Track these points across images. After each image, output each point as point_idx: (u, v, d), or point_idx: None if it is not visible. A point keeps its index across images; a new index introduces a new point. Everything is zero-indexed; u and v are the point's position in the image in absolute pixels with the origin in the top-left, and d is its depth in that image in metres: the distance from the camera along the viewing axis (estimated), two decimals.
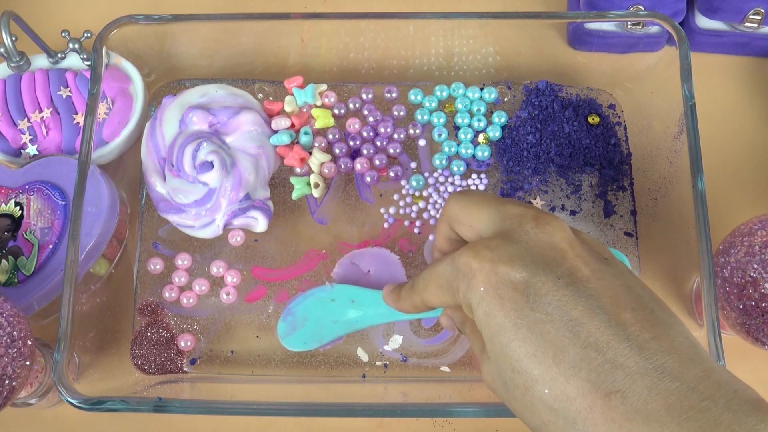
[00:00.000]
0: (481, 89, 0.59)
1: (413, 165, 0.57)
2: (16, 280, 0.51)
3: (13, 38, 0.54)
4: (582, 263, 0.30)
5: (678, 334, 0.28)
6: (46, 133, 0.56)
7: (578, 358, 0.27)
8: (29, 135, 0.56)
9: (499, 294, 0.29)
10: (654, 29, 0.55)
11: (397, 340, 0.52)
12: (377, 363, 0.52)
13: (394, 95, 0.58)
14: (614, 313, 0.28)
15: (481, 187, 0.56)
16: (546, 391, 0.28)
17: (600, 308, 0.28)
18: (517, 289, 0.29)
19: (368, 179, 0.56)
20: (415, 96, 0.58)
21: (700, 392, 0.25)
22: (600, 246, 0.33)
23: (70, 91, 0.57)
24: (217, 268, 0.54)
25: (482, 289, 0.30)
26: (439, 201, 0.56)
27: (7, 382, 0.41)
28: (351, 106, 0.58)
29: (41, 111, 0.56)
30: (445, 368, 0.52)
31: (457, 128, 0.58)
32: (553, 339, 0.28)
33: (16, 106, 0.56)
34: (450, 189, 0.56)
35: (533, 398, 0.28)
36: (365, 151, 0.56)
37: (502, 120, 0.58)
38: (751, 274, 0.45)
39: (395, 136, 0.57)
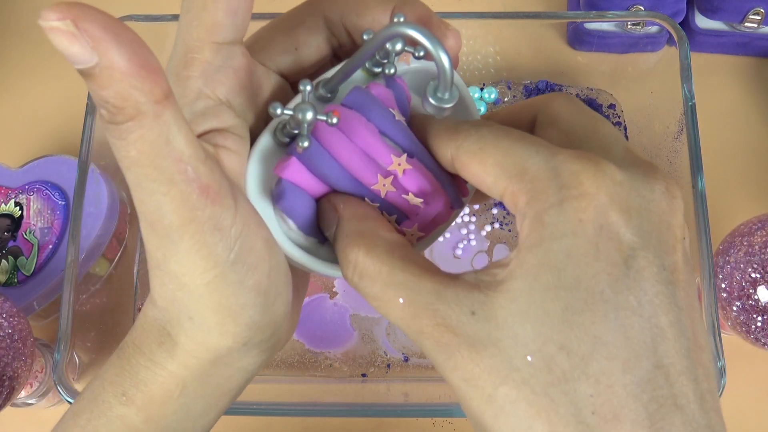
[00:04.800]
0: (481, 89, 0.59)
1: None
2: (16, 280, 0.51)
3: None
4: (683, 263, 0.23)
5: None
6: None
7: (647, 377, 0.21)
8: None
9: (598, 244, 0.22)
10: (654, 29, 0.55)
11: None
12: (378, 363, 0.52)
13: None
14: (692, 342, 0.23)
15: None
16: (590, 395, 0.21)
17: (683, 329, 0.22)
18: (621, 251, 0.22)
19: None
20: None
21: None
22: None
23: None
24: None
25: (581, 219, 0.22)
26: None
27: (7, 382, 0.41)
28: None
29: None
30: None
31: None
32: (633, 337, 0.22)
33: None
34: None
35: (561, 394, 0.21)
36: None
37: None
38: (751, 274, 0.45)
39: None
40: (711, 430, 0.21)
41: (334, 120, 0.25)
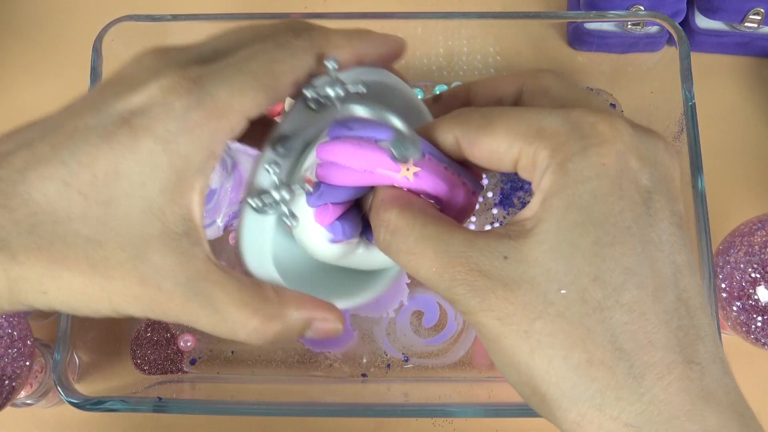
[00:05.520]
0: None
1: None
2: None
3: None
4: (681, 211, 0.25)
5: None
6: None
7: (672, 307, 0.23)
8: None
9: (621, 184, 0.23)
10: (654, 29, 0.55)
11: None
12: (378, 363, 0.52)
13: None
14: (698, 282, 0.24)
15: None
16: (625, 323, 0.22)
17: (693, 270, 0.24)
18: (640, 193, 0.24)
19: None
20: None
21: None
22: None
23: None
24: None
25: (604, 164, 0.23)
26: None
27: (7, 382, 0.41)
28: None
29: None
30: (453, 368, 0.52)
31: None
32: (658, 270, 0.23)
33: None
34: None
35: (597, 323, 0.22)
36: None
37: None
38: (751, 274, 0.45)
39: None
40: (724, 363, 0.23)
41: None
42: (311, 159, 0.27)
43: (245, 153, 0.54)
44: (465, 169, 0.28)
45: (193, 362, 0.52)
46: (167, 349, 0.52)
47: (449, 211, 0.27)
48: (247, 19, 0.55)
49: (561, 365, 0.22)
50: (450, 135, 0.27)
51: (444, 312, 0.53)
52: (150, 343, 0.52)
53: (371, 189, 0.28)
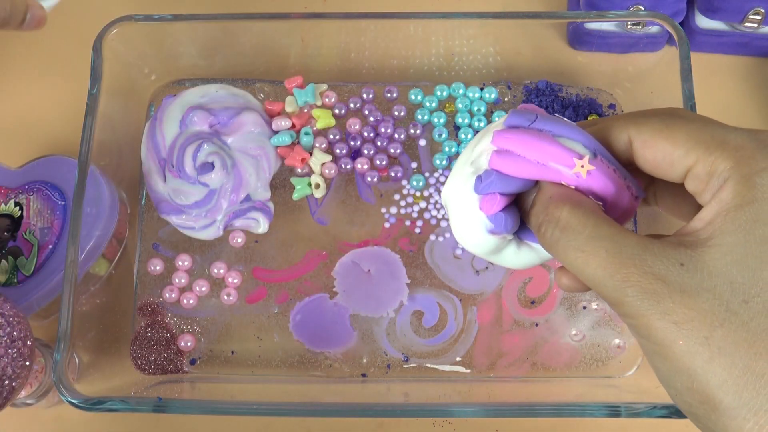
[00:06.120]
0: (482, 89, 0.59)
1: (414, 165, 0.57)
2: (15, 280, 0.51)
3: None
4: None
5: None
6: None
7: None
8: None
9: None
10: (654, 29, 0.55)
11: None
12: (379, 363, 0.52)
13: (394, 95, 0.58)
14: None
15: None
16: None
17: None
18: None
19: (369, 179, 0.56)
20: (415, 96, 0.58)
21: None
22: None
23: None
24: (217, 270, 0.54)
25: None
26: (440, 201, 0.56)
27: (7, 382, 0.41)
28: (351, 105, 0.58)
29: None
30: (453, 367, 0.52)
31: (457, 128, 0.58)
32: None
33: None
34: None
35: None
36: (366, 151, 0.56)
37: None
38: None
39: (396, 136, 0.57)
40: None
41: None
42: (483, 144, 0.27)
43: (245, 153, 0.54)
44: (630, 172, 0.28)
45: (193, 362, 0.52)
46: (167, 349, 0.52)
47: (612, 213, 0.28)
48: (247, 19, 0.55)
49: (743, 374, 0.23)
50: (624, 134, 0.27)
51: (444, 312, 0.53)
52: (150, 343, 0.52)
53: (534, 187, 0.28)
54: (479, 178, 0.27)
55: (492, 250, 0.29)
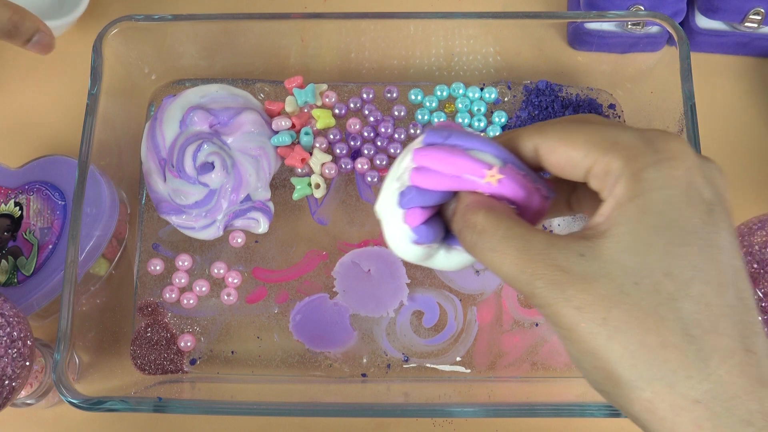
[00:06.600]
0: (482, 89, 0.59)
1: None
2: (15, 280, 0.51)
3: None
4: (734, 224, 0.28)
5: None
6: None
7: (733, 303, 0.26)
8: None
9: (689, 194, 0.27)
10: (654, 29, 0.55)
11: None
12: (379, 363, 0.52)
13: (394, 95, 0.58)
14: (751, 286, 0.28)
15: None
16: (693, 312, 0.25)
17: (747, 274, 0.27)
18: (704, 203, 0.27)
19: (369, 179, 0.56)
20: (415, 96, 0.58)
21: None
22: None
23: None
24: (217, 270, 0.54)
25: (675, 176, 0.27)
26: None
27: (7, 382, 0.41)
28: (351, 105, 0.58)
29: None
30: (453, 367, 0.52)
31: None
32: (721, 269, 0.26)
33: None
34: None
35: (669, 311, 0.25)
36: (366, 151, 0.56)
37: (502, 120, 0.58)
38: (751, 274, 0.45)
39: (396, 136, 0.57)
40: None
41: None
42: (406, 161, 0.30)
43: (245, 153, 0.54)
44: (539, 175, 0.31)
45: (193, 362, 0.52)
46: (167, 349, 0.52)
47: (525, 215, 0.30)
48: (247, 19, 0.55)
49: (637, 349, 0.25)
50: (530, 143, 0.30)
51: (444, 312, 0.53)
52: (150, 343, 0.52)
53: (454, 197, 0.31)
54: (402, 194, 0.30)
55: (422, 257, 0.32)
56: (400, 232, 0.31)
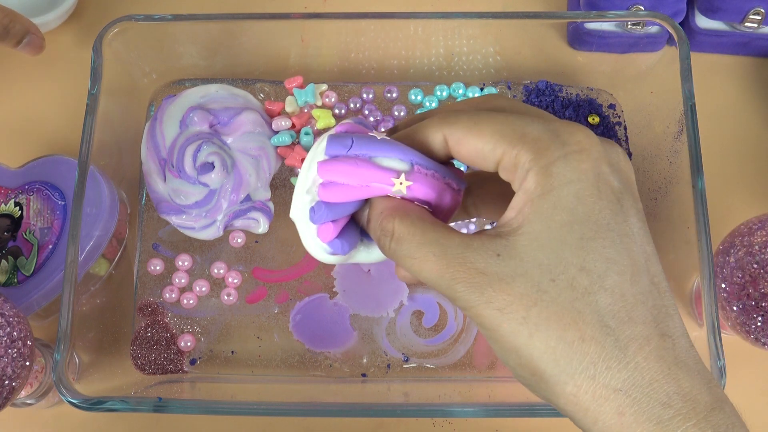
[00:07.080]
0: (482, 89, 0.59)
1: None
2: (15, 280, 0.51)
3: None
4: (642, 208, 0.29)
5: None
6: None
7: (647, 289, 0.27)
8: None
9: (599, 186, 0.27)
10: (654, 29, 0.55)
11: None
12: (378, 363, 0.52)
13: (394, 95, 0.58)
14: (662, 268, 0.28)
15: None
16: (609, 304, 0.26)
17: (658, 257, 0.28)
18: (613, 193, 0.27)
19: None
20: (415, 96, 0.58)
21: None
22: None
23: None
24: (217, 270, 0.54)
25: (584, 169, 0.27)
26: None
27: (6, 382, 0.41)
28: (351, 105, 0.58)
29: None
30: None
31: None
32: (634, 258, 0.27)
33: None
34: None
35: (585, 306, 0.26)
36: None
37: None
38: (751, 274, 0.45)
39: None
40: (689, 338, 0.27)
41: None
42: (314, 173, 0.30)
43: (245, 153, 0.54)
44: (448, 168, 0.30)
45: (193, 362, 0.52)
46: (167, 349, 0.52)
47: (439, 212, 0.30)
48: (247, 19, 0.55)
49: (557, 344, 0.26)
50: (439, 134, 0.30)
51: (444, 312, 0.53)
52: (150, 343, 0.52)
53: (366, 203, 0.30)
54: (312, 210, 0.30)
55: (342, 260, 0.32)
56: (315, 245, 0.31)
